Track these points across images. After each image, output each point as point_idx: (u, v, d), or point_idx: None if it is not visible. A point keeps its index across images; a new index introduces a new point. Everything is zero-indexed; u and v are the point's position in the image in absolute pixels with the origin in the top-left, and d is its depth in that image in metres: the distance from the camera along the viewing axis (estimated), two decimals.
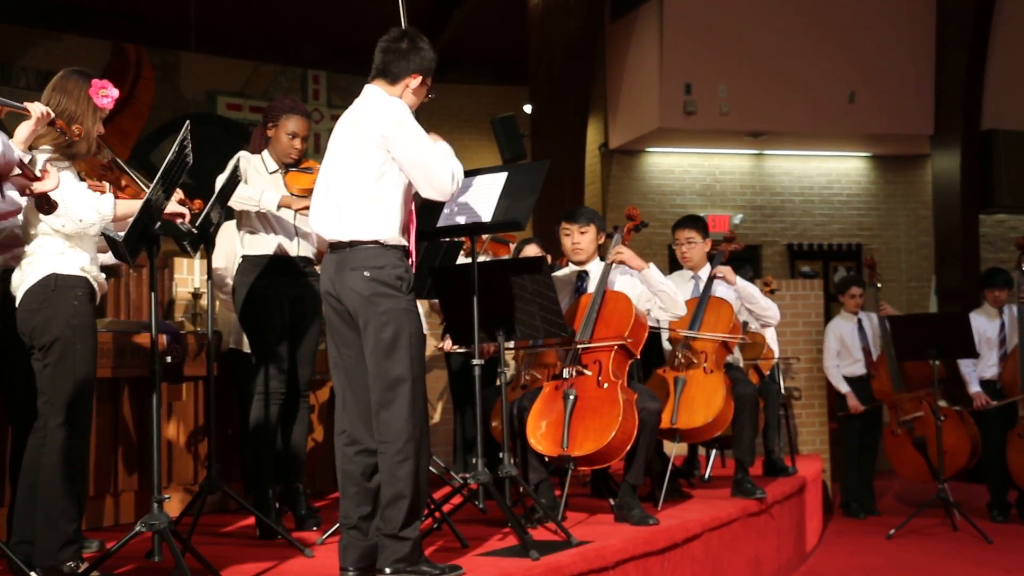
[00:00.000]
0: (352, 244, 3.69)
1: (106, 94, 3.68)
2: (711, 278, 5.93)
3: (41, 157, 3.59)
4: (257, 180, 4.85)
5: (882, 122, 12.07)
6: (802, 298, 8.63)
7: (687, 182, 12.67)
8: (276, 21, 12.73)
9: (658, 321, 5.69)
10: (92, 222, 3.63)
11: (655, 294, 5.23)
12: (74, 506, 3.60)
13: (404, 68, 3.81)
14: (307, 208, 4.65)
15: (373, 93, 3.82)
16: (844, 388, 8.26)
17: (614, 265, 5.30)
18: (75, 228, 3.62)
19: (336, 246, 3.74)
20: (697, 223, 6.18)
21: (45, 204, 3.31)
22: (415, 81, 3.83)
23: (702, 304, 5.80)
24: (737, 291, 5.93)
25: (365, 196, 3.68)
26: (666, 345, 5.89)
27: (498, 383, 4.69)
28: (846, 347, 8.31)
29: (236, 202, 4.72)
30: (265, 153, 4.95)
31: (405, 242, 3.76)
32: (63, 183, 3.54)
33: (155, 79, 12.53)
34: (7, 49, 11.48)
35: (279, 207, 4.75)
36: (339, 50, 12.76)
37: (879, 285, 8.56)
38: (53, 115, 3.36)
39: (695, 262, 6.10)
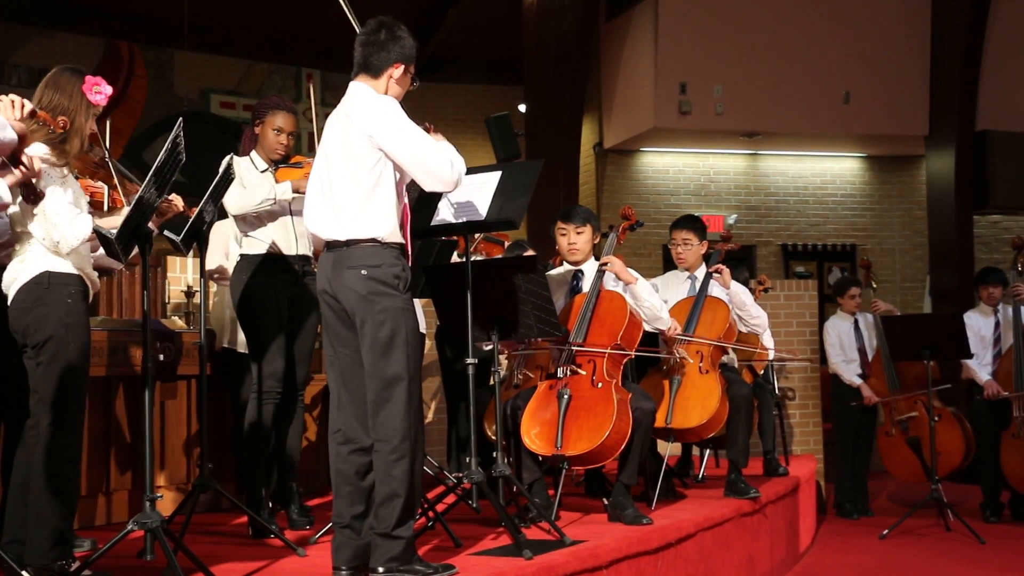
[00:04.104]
0: (349, 243, 3.68)
1: (99, 91, 3.66)
2: (708, 276, 5.94)
3: (34, 153, 3.57)
4: (254, 180, 4.82)
5: (877, 122, 12.09)
6: (796, 298, 8.63)
7: (682, 182, 12.67)
8: (270, 19, 12.71)
9: None
10: (69, 246, 3.61)
11: (639, 307, 5.22)
12: (66, 505, 3.58)
13: (385, 59, 3.79)
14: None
15: (359, 90, 3.80)
16: (857, 381, 8.22)
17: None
18: (51, 246, 3.61)
19: (333, 245, 3.72)
20: (695, 225, 6.17)
21: (31, 195, 3.29)
22: (398, 71, 3.81)
23: (698, 304, 5.80)
24: (729, 295, 5.92)
25: (361, 196, 3.67)
26: (662, 345, 5.88)
27: (492, 382, 4.68)
28: (843, 347, 8.31)
29: (252, 208, 4.70)
30: (253, 153, 4.93)
31: (403, 240, 3.75)
32: (49, 198, 3.52)
33: (148, 77, 12.49)
34: None
35: (293, 192, 4.74)
36: (333, 48, 12.73)
37: (875, 286, 8.56)
38: (29, 105, 3.31)
39: (690, 263, 6.10)
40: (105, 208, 3.99)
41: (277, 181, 4.88)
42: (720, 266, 5.96)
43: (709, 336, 5.64)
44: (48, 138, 3.53)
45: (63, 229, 3.58)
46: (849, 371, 8.28)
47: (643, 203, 12.22)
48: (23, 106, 3.28)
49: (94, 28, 12.10)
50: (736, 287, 6.02)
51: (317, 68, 13.43)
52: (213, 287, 5.64)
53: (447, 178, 3.72)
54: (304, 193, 4.69)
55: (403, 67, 3.81)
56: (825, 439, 8.67)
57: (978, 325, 8.01)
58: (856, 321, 8.34)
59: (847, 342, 8.31)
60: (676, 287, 6.12)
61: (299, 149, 5.04)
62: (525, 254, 6.36)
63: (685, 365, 5.55)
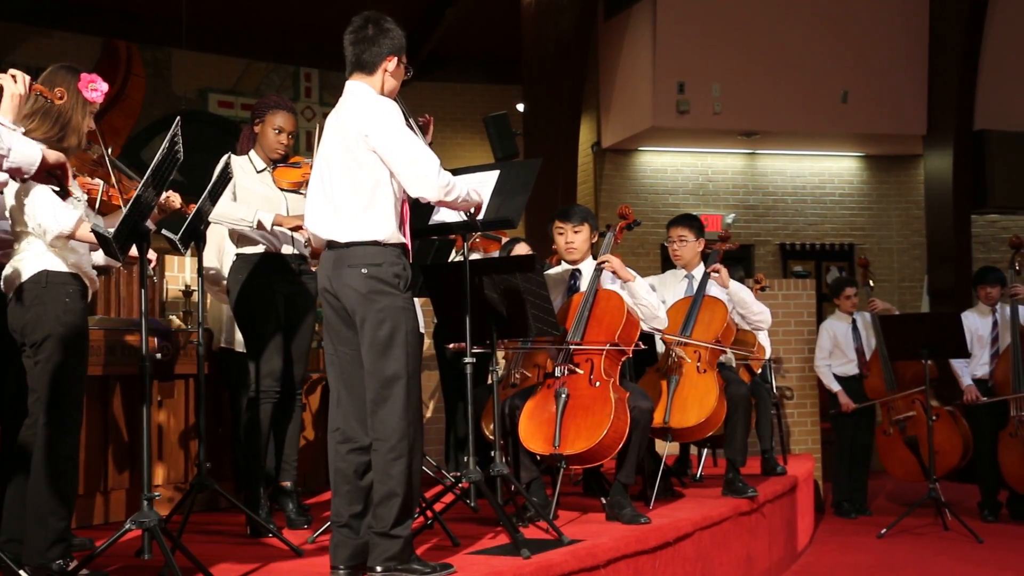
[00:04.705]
0: (350, 244, 3.68)
1: (95, 88, 3.65)
2: (706, 275, 5.93)
3: None
4: (247, 193, 4.81)
5: (875, 122, 12.10)
6: (794, 298, 8.64)
7: (680, 181, 12.68)
8: (268, 18, 12.70)
9: None
10: (50, 234, 3.60)
11: (637, 305, 5.22)
12: (64, 504, 3.58)
13: (377, 54, 3.78)
14: (299, 227, 4.65)
15: (355, 90, 3.79)
16: (835, 387, 8.27)
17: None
18: (37, 234, 3.61)
19: (334, 244, 3.72)
20: (691, 222, 6.17)
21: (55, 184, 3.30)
22: (391, 64, 3.80)
23: (696, 303, 5.79)
24: (729, 295, 5.93)
25: (360, 198, 3.67)
26: (659, 345, 5.88)
27: (489, 381, 4.68)
28: (839, 347, 8.32)
29: (228, 222, 4.69)
30: (252, 153, 4.93)
31: (403, 240, 3.75)
32: (40, 187, 3.52)
33: (146, 76, 12.48)
34: None
35: (272, 225, 4.73)
36: (331, 47, 12.71)
37: (871, 284, 8.57)
38: (28, 78, 3.32)
39: (686, 260, 6.09)
40: (97, 205, 3.98)
41: (275, 180, 4.89)
42: (718, 265, 5.96)
43: (707, 336, 5.64)
44: (45, 136, 3.53)
45: (45, 216, 3.58)
46: (829, 376, 8.33)
47: (641, 202, 12.22)
48: (24, 79, 3.29)
49: (92, 27, 12.10)
50: (736, 285, 6.03)
51: (315, 67, 13.44)
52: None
53: (433, 182, 3.67)
54: (285, 227, 4.70)
55: (396, 59, 3.81)
56: (823, 438, 8.68)
57: (975, 325, 8.01)
58: (854, 321, 8.35)
59: (844, 343, 8.31)
60: (673, 286, 6.12)
61: (296, 148, 5.03)
62: (516, 247, 6.35)
63: (683, 364, 5.55)
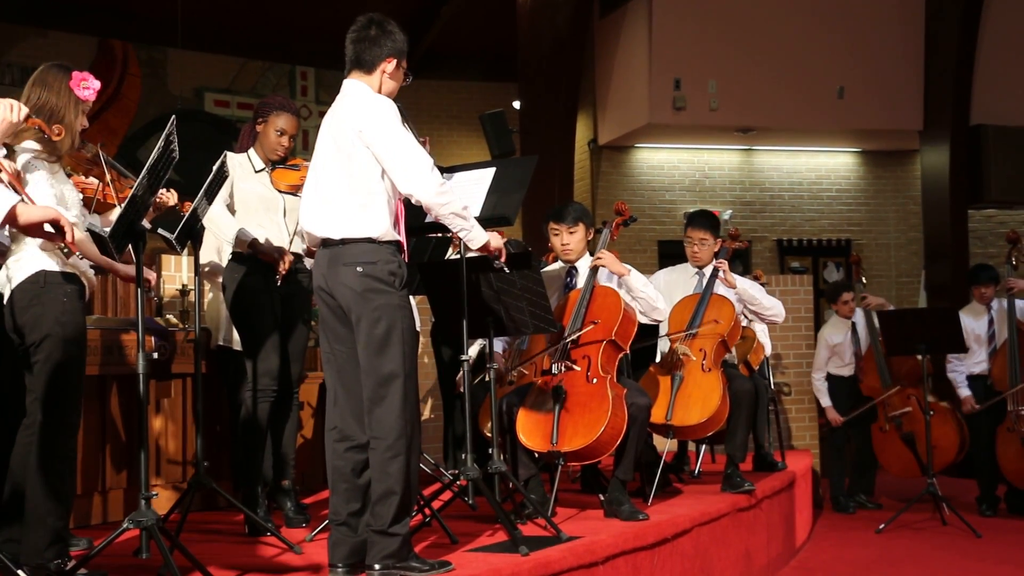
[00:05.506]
0: (344, 241, 3.68)
1: (87, 85, 3.64)
2: (714, 274, 5.92)
3: (23, 157, 3.56)
4: (244, 195, 4.81)
5: (871, 117, 12.09)
6: (791, 293, 8.64)
7: (676, 178, 12.67)
8: (264, 17, 12.69)
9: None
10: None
11: (634, 299, 5.22)
12: (62, 504, 3.57)
13: (377, 55, 3.79)
14: (270, 257, 4.67)
15: (352, 88, 3.80)
16: (826, 401, 8.30)
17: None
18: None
19: (328, 242, 3.72)
20: (712, 224, 6.13)
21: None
22: (390, 65, 3.81)
23: (703, 301, 5.79)
24: (738, 294, 5.90)
25: (356, 196, 3.67)
26: (663, 344, 5.87)
27: (487, 379, 4.68)
28: (838, 353, 8.32)
29: (213, 229, 4.69)
30: (251, 151, 4.93)
31: (398, 237, 3.74)
32: (32, 188, 3.51)
33: (142, 75, 12.47)
34: None
35: (248, 248, 4.72)
36: (327, 46, 12.70)
37: (864, 282, 8.57)
38: (25, 110, 3.31)
39: (705, 261, 6.08)
40: (93, 204, 3.97)
41: (273, 181, 4.90)
42: (723, 261, 5.91)
43: (712, 335, 5.63)
44: (39, 136, 3.52)
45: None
46: (823, 390, 8.35)
47: (638, 199, 12.22)
48: (20, 109, 3.28)
49: (88, 27, 12.08)
50: (744, 282, 5.99)
51: (311, 66, 13.43)
52: (207, 284, 5.63)
53: (425, 179, 3.66)
54: (259, 251, 4.70)
55: (395, 61, 3.82)
56: (820, 434, 8.68)
57: (971, 325, 8.00)
58: (853, 325, 8.31)
59: (843, 348, 8.29)
60: (684, 282, 6.11)
61: (294, 148, 5.04)
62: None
63: (687, 363, 5.54)
